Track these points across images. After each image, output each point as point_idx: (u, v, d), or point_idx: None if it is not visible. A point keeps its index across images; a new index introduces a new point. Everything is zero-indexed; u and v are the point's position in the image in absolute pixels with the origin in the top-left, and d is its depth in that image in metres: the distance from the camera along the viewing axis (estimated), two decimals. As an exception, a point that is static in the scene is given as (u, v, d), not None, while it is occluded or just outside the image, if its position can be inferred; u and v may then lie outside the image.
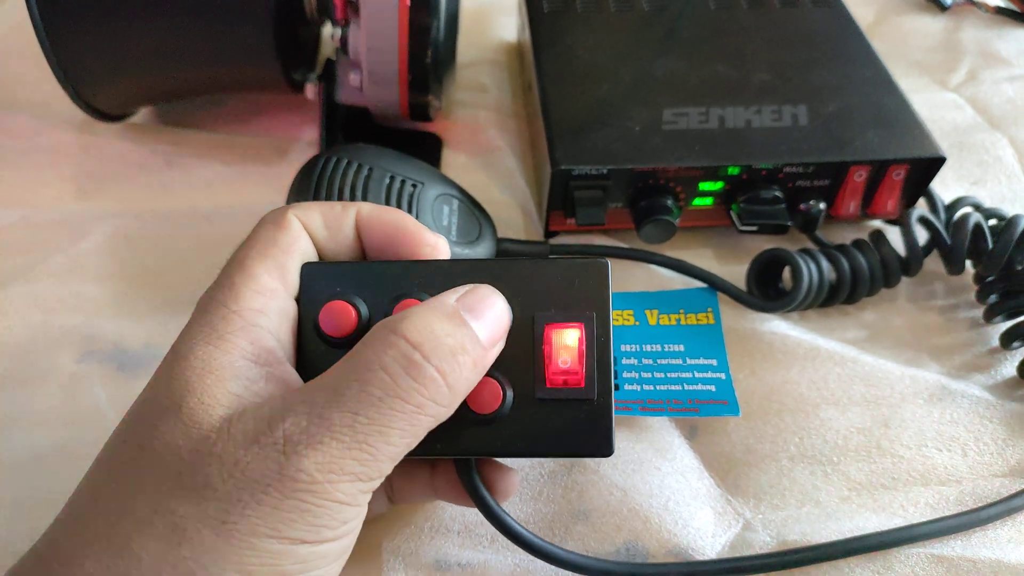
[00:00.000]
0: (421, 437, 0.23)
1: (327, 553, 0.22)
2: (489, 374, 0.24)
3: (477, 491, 0.26)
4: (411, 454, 0.25)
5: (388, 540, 0.30)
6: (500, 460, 0.28)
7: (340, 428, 0.21)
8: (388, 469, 0.22)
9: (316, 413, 0.21)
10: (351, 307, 0.25)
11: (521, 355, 0.25)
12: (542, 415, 0.25)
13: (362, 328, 0.25)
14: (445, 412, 0.23)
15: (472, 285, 0.25)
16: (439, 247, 0.27)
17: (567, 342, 0.25)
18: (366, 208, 0.27)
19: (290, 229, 0.25)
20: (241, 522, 0.20)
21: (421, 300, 0.25)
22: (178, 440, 0.21)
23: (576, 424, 0.25)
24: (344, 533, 0.22)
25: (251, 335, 0.23)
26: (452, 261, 0.26)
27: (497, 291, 0.25)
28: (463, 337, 0.23)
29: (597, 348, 0.25)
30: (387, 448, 0.21)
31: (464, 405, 0.24)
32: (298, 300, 0.26)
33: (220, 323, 0.23)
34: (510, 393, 0.25)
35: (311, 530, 0.21)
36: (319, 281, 0.25)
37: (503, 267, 0.26)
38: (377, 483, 0.22)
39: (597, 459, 0.32)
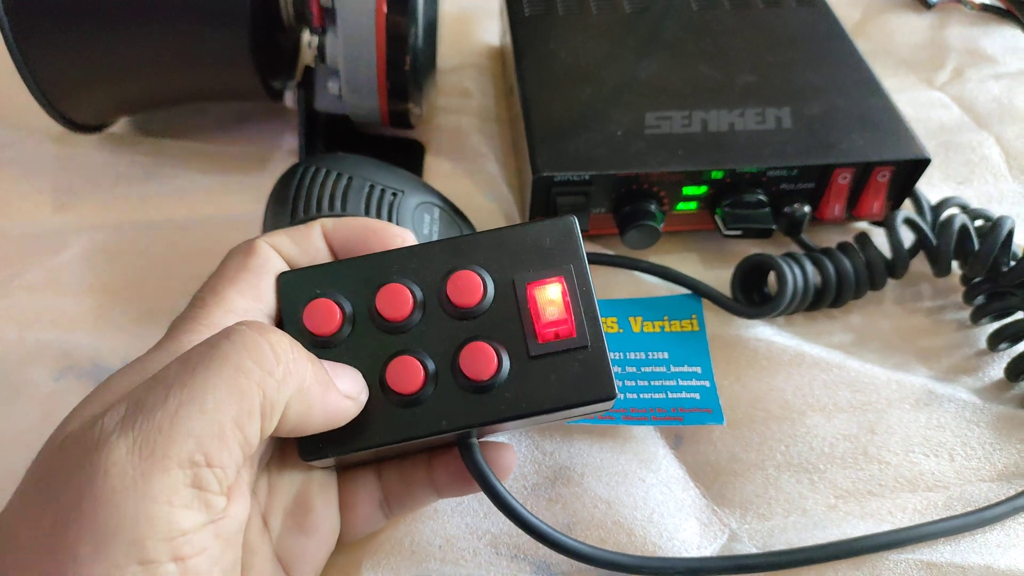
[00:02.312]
0: (251, 412, 0.20)
1: None
2: (482, 341, 0.25)
3: (482, 472, 0.26)
4: (419, 435, 0.25)
5: (368, 558, 0.29)
6: (497, 438, 0.28)
7: (152, 408, 0.19)
8: (220, 457, 0.19)
9: (134, 399, 0.19)
10: (333, 303, 0.25)
11: (509, 319, 0.25)
12: (540, 371, 0.25)
13: (348, 322, 0.25)
14: (274, 385, 0.20)
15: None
16: (407, 238, 0.27)
17: (551, 296, 0.25)
18: (330, 221, 0.27)
19: (259, 253, 0.26)
20: (61, 543, 0.17)
21: (402, 283, 0.25)
22: (59, 451, 0.20)
23: (575, 373, 0.25)
24: (184, 553, 0.18)
25: None
26: (424, 244, 0.27)
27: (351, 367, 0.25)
28: (300, 347, 0.22)
29: (581, 297, 0.25)
30: (203, 421, 0.19)
31: (462, 375, 0.24)
32: (279, 310, 0.26)
33: (183, 336, 0.23)
34: (505, 357, 0.25)
35: (134, 548, 0.17)
36: (297, 287, 0.26)
37: (474, 240, 0.26)
38: (210, 476, 0.19)
39: (581, 471, 0.32)
